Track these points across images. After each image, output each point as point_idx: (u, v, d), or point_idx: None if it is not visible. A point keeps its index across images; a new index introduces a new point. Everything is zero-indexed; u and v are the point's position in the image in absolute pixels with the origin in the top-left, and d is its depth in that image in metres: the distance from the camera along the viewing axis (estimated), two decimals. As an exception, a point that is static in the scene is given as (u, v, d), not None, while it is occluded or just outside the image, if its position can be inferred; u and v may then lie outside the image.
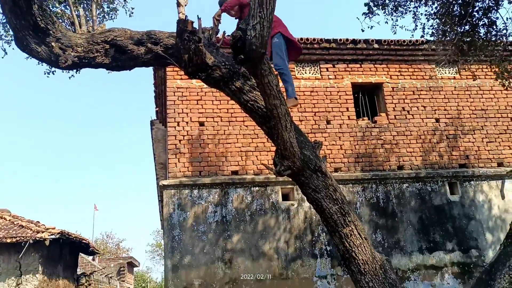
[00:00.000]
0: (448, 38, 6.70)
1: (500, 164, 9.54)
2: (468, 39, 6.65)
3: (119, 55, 4.31)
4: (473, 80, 8.90)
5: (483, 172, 9.28)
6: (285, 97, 4.72)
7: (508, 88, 7.56)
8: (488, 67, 7.71)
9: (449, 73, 10.11)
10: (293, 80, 5.34)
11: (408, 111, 9.64)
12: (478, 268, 8.54)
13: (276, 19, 5.11)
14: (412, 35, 8.28)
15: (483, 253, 8.79)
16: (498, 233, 8.90)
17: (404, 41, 9.64)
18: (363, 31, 7.42)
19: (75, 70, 4.50)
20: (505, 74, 7.23)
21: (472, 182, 9.26)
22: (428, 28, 7.05)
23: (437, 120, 9.68)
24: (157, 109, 11.58)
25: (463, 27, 6.65)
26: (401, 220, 8.79)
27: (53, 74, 4.54)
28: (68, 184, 74.60)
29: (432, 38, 7.14)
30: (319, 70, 9.61)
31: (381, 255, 4.35)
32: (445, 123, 9.68)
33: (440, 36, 6.81)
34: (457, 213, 9.01)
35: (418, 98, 9.77)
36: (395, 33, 8.03)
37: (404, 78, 9.87)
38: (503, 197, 9.25)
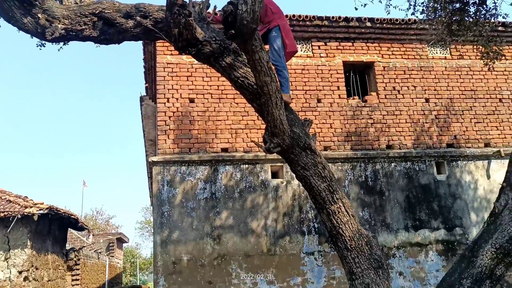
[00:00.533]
0: (438, 16, 6.66)
1: (487, 145, 9.67)
2: (458, 18, 6.62)
3: (107, 28, 4.21)
4: (459, 60, 8.91)
5: (470, 152, 9.41)
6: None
7: (491, 69, 7.58)
8: (476, 47, 7.70)
9: (440, 53, 10.11)
10: (289, 75, 5.06)
11: (398, 91, 9.66)
12: (461, 246, 8.76)
13: (277, 11, 5.00)
14: (406, 14, 8.21)
15: (467, 231, 8.99)
16: (483, 212, 9.09)
17: (396, 19, 9.59)
18: (356, 9, 7.36)
19: (62, 43, 4.39)
20: (490, 54, 7.24)
21: (459, 162, 9.39)
22: (419, 6, 6.99)
23: (427, 100, 9.72)
24: (147, 85, 11.44)
25: (454, 5, 6.61)
26: (388, 198, 8.92)
27: (44, 46, 4.42)
28: (57, 160, 74.13)
29: (422, 16, 7.09)
30: (310, 48, 9.54)
31: (368, 232, 4.41)
32: (435, 103, 9.73)
33: (430, 13, 6.76)
34: (443, 192, 9.16)
35: (408, 78, 9.78)
36: (388, 13, 7.96)
37: (396, 58, 9.85)
38: (488, 177, 9.41)
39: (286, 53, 5.08)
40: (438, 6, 6.62)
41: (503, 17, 7.30)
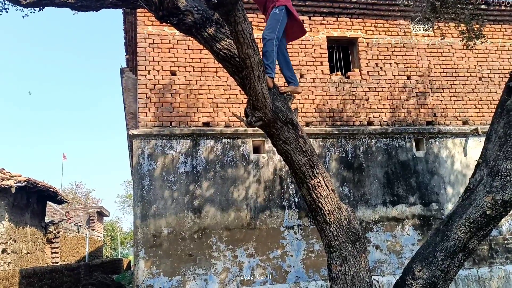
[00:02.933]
0: None
1: (465, 123, 9.84)
2: None
3: (84, -6, 4.07)
4: (441, 39, 8.92)
5: (449, 130, 9.57)
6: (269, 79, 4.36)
7: (472, 48, 7.57)
8: (462, 25, 7.70)
9: (423, 30, 10.12)
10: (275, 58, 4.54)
11: (381, 68, 9.68)
12: (437, 221, 9.00)
13: None
14: None
15: (442, 206, 9.24)
16: (459, 188, 9.33)
17: (381, -5, 9.52)
18: None
19: (37, 8, 4.22)
20: (471, 33, 7.24)
21: (437, 139, 9.55)
22: None
23: (409, 78, 9.78)
24: (127, 56, 11.19)
25: None
26: (367, 174, 9.05)
27: (6, 12, 4.20)
28: (36, 132, 72.67)
29: None
30: (294, 22, 9.41)
31: (346, 206, 4.48)
32: (416, 80, 9.81)
33: None
34: (421, 168, 9.34)
35: (391, 55, 9.80)
36: None
37: (379, 34, 9.83)
38: (465, 154, 9.62)
39: (295, 33, 4.80)
40: None
41: None
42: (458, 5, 6.84)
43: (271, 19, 4.53)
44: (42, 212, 15.36)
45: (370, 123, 9.37)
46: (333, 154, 8.99)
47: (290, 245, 8.34)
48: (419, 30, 10.11)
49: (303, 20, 9.41)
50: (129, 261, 33.16)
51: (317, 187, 4.26)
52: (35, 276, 11.12)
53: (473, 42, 7.44)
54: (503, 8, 10.28)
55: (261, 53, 4.08)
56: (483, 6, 9.76)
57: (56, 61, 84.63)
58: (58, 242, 17.27)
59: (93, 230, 26.89)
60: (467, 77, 10.09)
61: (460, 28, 7.56)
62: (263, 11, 4.84)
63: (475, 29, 7.30)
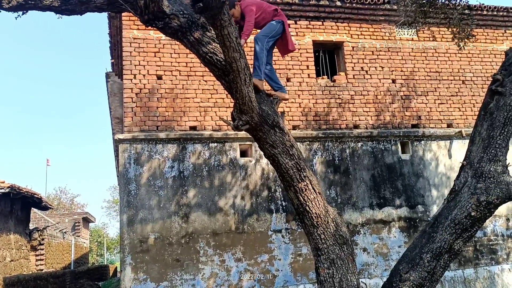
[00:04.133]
0: None
1: (449, 125, 9.97)
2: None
3: (69, -3, 4.03)
4: (425, 41, 9.05)
5: (433, 132, 9.68)
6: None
7: (463, 49, 7.71)
8: (445, 29, 7.81)
9: (407, 34, 10.25)
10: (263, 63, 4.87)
11: (366, 71, 9.77)
12: (423, 223, 9.09)
13: (282, 12, 5.08)
14: None
15: (428, 208, 9.33)
16: (444, 190, 9.43)
17: (366, 0, 9.62)
18: None
19: (21, 12, 4.16)
20: (462, 34, 7.35)
21: (422, 141, 9.66)
22: None
23: (394, 81, 9.89)
24: (113, 60, 11.11)
25: None
26: (354, 177, 9.11)
27: (-5, 16, 4.16)
28: (18, 136, 71.56)
29: None
30: (280, 26, 9.45)
31: (334, 209, 4.50)
32: (401, 84, 9.92)
33: None
34: (407, 171, 9.43)
35: (376, 59, 9.89)
36: None
37: (365, 38, 9.93)
38: (450, 156, 9.74)
39: (286, 50, 5.20)
40: None
41: (465, 2, 7.42)
42: (448, 8, 6.93)
43: (267, 27, 4.88)
44: (26, 219, 15.10)
45: (356, 126, 9.44)
46: (320, 158, 9.03)
47: (278, 249, 8.33)
48: (404, 34, 10.23)
49: (289, 25, 9.44)
50: (116, 268, 32.77)
51: (304, 190, 4.27)
52: (19, 284, 10.91)
53: (464, 42, 7.55)
54: (485, 12, 10.48)
55: (250, 56, 4.14)
56: (466, 11, 9.91)
57: (37, 60, 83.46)
58: (42, 249, 16.98)
59: (79, 236, 26.52)
60: (451, 80, 10.24)
61: (450, 30, 7.66)
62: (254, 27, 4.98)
63: (466, 30, 7.40)
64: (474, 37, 7.60)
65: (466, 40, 7.42)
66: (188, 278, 7.80)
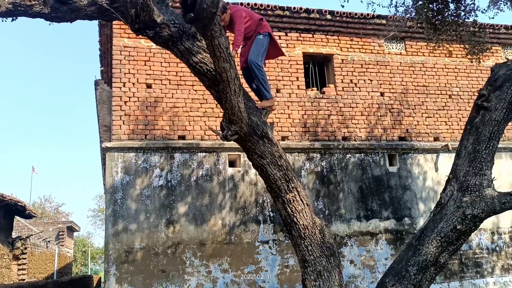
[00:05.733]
0: (425, 14, 6.78)
1: (436, 139, 10.09)
2: (440, 17, 6.79)
3: (59, 5, 4.01)
4: (413, 56, 9.21)
5: (421, 146, 9.79)
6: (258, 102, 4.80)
7: (477, 63, 7.83)
8: (433, 44, 7.93)
9: (396, 48, 10.40)
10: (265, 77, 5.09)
11: (355, 84, 9.87)
12: (409, 235, 9.13)
13: (266, 23, 5.20)
14: (389, 10, 8.31)
15: (415, 221, 9.38)
16: (430, 202, 9.51)
17: (356, 13, 9.75)
18: (343, 6, 7.44)
19: (10, 18, 4.13)
20: (475, 49, 7.46)
21: (409, 154, 9.75)
22: (400, 6, 7.15)
23: (382, 94, 10.00)
24: (102, 68, 11.05)
25: (435, 3, 6.77)
26: (342, 189, 9.14)
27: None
28: (4, 144, 70.55)
29: (407, 15, 7.24)
30: (271, 37, 9.52)
31: (321, 220, 4.50)
32: (389, 97, 10.03)
33: (412, 12, 6.91)
34: (394, 183, 9.49)
35: (365, 72, 10.00)
36: (374, 11, 8.11)
37: (354, 51, 10.04)
38: (436, 169, 9.84)
39: (273, 55, 5.38)
40: (422, 2, 6.74)
41: (482, 12, 7.56)
42: (457, 24, 7.04)
43: (257, 44, 4.95)
44: (9, 227, 14.82)
45: (344, 138, 9.50)
46: (308, 169, 9.05)
47: (265, 260, 8.29)
48: (392, 48, 10.38)
49: (279, 36, 9.54)
50: (100, 278, 32.24)
51: (292, 202, 4.27)
52: (-1, 294, 10.66)
53: (478, 56, 7.67)
54: (471, 29, 10.66)
55: (238, 68, 4.18)
56: (476, 28, 10.12)
57: (20, 59, 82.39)
58: (25, 259, 16.64)
59: (63, 245, 26.08)
60: (438, 94, 10.39)
61: (463, 47, 7.78)
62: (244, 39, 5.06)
63: (478, 46, 7.51)
64: (488, 50, 7.75)
65: (480, 54, 7.55)
66: (174, 289, 7.70)
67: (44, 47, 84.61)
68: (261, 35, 5.01)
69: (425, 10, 6.65)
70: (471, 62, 7.85)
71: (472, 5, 7.00)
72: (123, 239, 7.72)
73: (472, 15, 7.22)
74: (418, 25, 7.12)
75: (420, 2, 6.70)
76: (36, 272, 18.57)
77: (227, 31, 5.10)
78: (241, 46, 5.01)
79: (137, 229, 7.82)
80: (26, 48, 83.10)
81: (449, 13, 6.83)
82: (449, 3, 6.82)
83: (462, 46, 7.80)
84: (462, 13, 6.96)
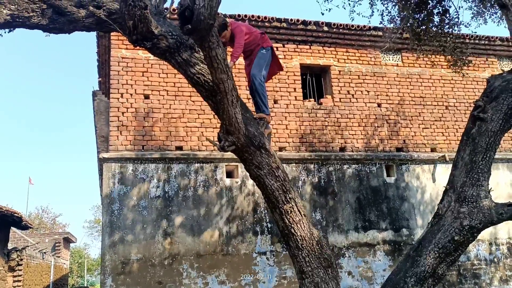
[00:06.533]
0: (409, 25, 6.88)
1: (433, 150, 10.11)
2: (424, 27, 6.88)
3: (57, 16, 4.02)
4: (410, 67, 9.31)
5: (418, 157, 9.80)
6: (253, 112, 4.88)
7: (463, 75, 7.91)
8: (430, 55, 8.01)
9: (392, 60, 10.47)
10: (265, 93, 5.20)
11: (352, 95, 9.91)
12: (407, 246, 9.09)
13: (267, 37, 5.29)
14: (369, 21, 8.41)
15: (413, 232, 9.36)
16: (428, 214, 9.49)
17: (352, 25, 9.83)
18: (322, 14, 7.52)
19: (8, 30, 4.15)
20: (458, 61, 7.54)
21: (407, 165, 9.76)
22: (386, 15, 7.21)
23: (379, 105, 10.04)
24: (100, 79, 11.08)
25: (420, 14, 6.86)
26: (340, 200, 9.12)
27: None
28: (0, 155, 70.31)
29: (391, 25, 7.31)
30: (268, 49, 9.58)
31: (319, 231, 4.48)
32: (386, 108, 10.07)
33: (397, 23, 6.99)
34: (392, 194, 9.49)
35: (362, 83, 10.05)
36: (353, 19, 8.16)
37: (351, 62, 10.11)
38: (434, 180, 9.84)
39: (274, 72, 5.46)
40: (404, 15, 6.83)
41: (466, 26, 7.66)
42: (442, 35, 7.13)
43: (259, 58, 5.04)
44: (4, 238, 14.69)
45: (342, 149, 9.51)
46: (306, 180, 9.04)
47: (262, 271, 8.23)
48: (389, 59, 10.45)
49: (277, 48, 9.60)
50: (96, 290, 31.93)
51: (289, 213, 4.25)
52: (-6, 306, 10.53)
53: (461, 69, 7.74)
54: (467, 40, 10.77)
55: (234, 80, 4.18)
56: (448, 39, 10.21)
57: (21, 79, 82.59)
58: (21, 270, 16.47)
59: (59, 257, 25.87)
60: (435, 105, 10.44)
61: (446, 58, 7.88)
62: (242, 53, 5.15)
63: (462, 59, 7.60)
64: (471, 63, 7.83)
65: (463, 67, 7.63)
66: (171, 301, 7.63)
67: (39, 59, 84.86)
68: (264, 50, 5.12)
69: (410, 20, 6.74)
70: (456, 73, 7.97)
71: (456, 19, 7.11)
72: (120, 250, 7.66)
73: (456, 30, 7.34)
74: (405, 35, 7.21)
75: (405, 12, 6.78)
76: (32, 284, 18.38)
77: (228, 46, 5.20)
78: (245, 64, 5.23)
79: (133, 240, 7.77)
80: (22, 61, 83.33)
81: (434, 24, 6.94)
82: (434, 15, 6.93)
83: (446, 57, 7.88)
84: (447, 26, 7.06)
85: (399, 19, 7.00)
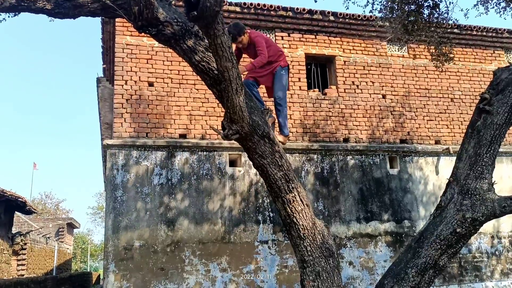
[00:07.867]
0: (396, 15, 6.83)
1: (437, 142, 10.08)
2: (413, 19, 6.83)
3: (62, 1, 4.01)
4: (415, 59, 9.24)
5: (422, 149, 9.78)
6: (277, 132, 5.22)
7: (442, 70, 7.91)
8: (428, 48, 7.96)
9: (398, 51, 10.39)
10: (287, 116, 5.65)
11: (357, 86, 9.86)
12: (409, 238, 9.12)
13: (283, 52, 5.60)
14: (364, 11, 8.31)
15: (415, 224, 9.37)
16: (430, 206, 9.49)
17: (358, 15, 9.75)
18: (316, 1, 7.41)
19: (12, 14, 4.14)
20: (440, 56, 7.53)
21: (410, 157, 9.74)
22: (377, 4, 7.13)
23: (384, 96, 9.99)
24: (105, 66, 11.06)
25: (409, 6, 6.80)
26: (342, 190, 9.13)
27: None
28: (5, 140, 70.66)
29: (380, 14, 7.24)
30: (274, 38, 9.53)
31: (321, 221, 4.50)
32: (391, 99, 10.02)
33: (388, 12, 6.92)
34: (395, 186, 9.48)
35: (367, 74, 9.99)
36: (347, 8, 8.08)
37: (356, 53, 10.04)
38: (437, 172, 9.83)
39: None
40: (395, 5, 6.78)
41: (454, 22, 7.60)
42: (430, 28, 7.07)
43: (281, 80, 5.48)
44: (9, 223, 14.85)
45: (346, 140, 9.49)
46: (309, 170, 9.04)
47: (264, 260, 8.28)
48: (394, 50, 10.37)
49: (282, 37, 9.55)
50: (99, 275, 32.27)
51: (292, 202, 4.27)
52: (-2, 289, 10.68)
53: (442, 64, 7.71)
54: (474, 32, 10.67)
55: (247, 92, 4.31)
56: (455, 30, 10.11)
57: (25, 65, 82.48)
58: (25, 254, 16.67)
59: (62, 242, 26.12)
60: (440, 98, 10.38)
61: (430, 51, 7.84)
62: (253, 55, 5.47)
63: (445, 52, 7.56)
64: (452, 60, 7.82)
65: (444, 62, 7.64)
66: (172, 287, 7.71)
67: (44, 46, 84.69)
68: (283, 70, 5.46)
69: (399, 10, 6.70)
70: (436, 67, 7.98)
71: (446, 14, 7.05)
72: (122, 236, 7.72)
73: (444, 24, 7.32)
74: (389, 25, 7.15)
75: (394, 4, 6.73)
76: (36, 267, 18.60)
77: (244, 53, 5.44)
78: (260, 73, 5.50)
79: (136, 226, 7.82)
80: (25, 47, 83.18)
81: (423, 17, 6.90)
82: (424, 8, 6.88)
83: (430, 50, 7.87)
84: (435, 20, 7.02)
85: (389, 9, 6.92)
